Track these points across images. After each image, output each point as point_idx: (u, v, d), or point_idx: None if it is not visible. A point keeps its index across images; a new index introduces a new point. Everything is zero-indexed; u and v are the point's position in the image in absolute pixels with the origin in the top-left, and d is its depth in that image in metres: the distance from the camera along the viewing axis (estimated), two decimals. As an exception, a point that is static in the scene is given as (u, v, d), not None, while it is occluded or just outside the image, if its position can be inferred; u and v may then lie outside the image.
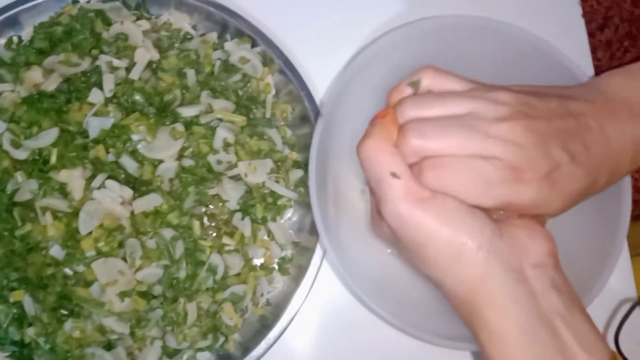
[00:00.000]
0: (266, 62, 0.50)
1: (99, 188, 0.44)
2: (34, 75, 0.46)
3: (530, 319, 0.31)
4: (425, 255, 0.32)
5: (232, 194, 0.46)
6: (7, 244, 0.44)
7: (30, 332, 0.43)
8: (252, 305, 0.47)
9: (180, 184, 0.45)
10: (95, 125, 0.45)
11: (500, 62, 0.44)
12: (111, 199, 0.43)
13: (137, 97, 0.46)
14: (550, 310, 0.31)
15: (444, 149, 0.32)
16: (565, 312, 0.31)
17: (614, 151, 0.35)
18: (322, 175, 0.44)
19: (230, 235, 0.47)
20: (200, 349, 0.46)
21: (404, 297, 0.43)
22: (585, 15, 0.56)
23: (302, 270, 0.46)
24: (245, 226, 0.47)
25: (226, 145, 0.47)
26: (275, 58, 0.49)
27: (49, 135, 0.44)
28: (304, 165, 0.49)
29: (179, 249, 0.44)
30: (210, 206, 0.47)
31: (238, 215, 0.47)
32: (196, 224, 0.45)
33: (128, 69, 0.47)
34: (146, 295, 0.44)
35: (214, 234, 0.47)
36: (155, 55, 0.48)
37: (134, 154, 0.45)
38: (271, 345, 0.45)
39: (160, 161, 0.45)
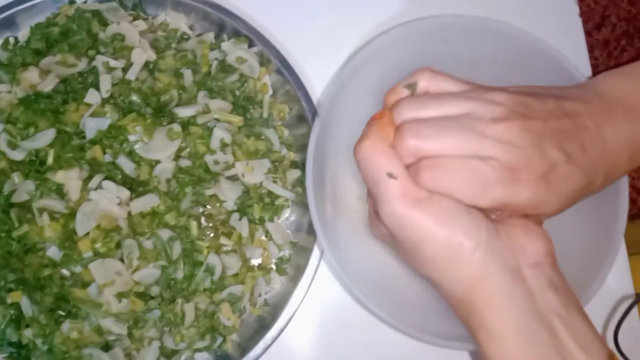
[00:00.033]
0: (263, 62, 0.50)
1: (96, 189, 0.44)
2: (31, 75, 0.46)
3: (528, 319, 0.31)
4: (422, 256, 0.32)
5: (229, 194, 0.46)
6: (4, 245, 0.43)
7: (28, 333, 0.43)
8: (250, 305, 0.47)
9: (178, 184, 0.45)
10: (92, 126, 0.44)
11: (499, 62, 0.44)
12: (108, 200, 0.43)
13: (134, 98, 0.46)
14: (548, 309, 0.31)
15: (440, 150, 0.32)
16: (563, 312, 0.31)
17: (611, 152, 0.35)
18: (320, 175, 0.44)
19: (228, 235, 0.47)
20: (198, 350, 0.46)
21: (402, 297, 0.43)
22: (582, 14, 0.56)
23: (299, 270, 0.46)
24: (242, 226, 0.47)
25: (223, 145, 0.47)
26: (273, 58, 0.49)
27: (45, 136, 0.44)
28: (301, 165, 0.49)
29: (177, 250, 0.44)
30: (208, 206, 0.47)
31: (235, 215, 0.47)
32: (193, 224, 0.45)
33: (125, 70, 0.47)
34: (144, 296, 0.44)
35: (212, 235, 0.47)
36: (152, 55, 0.48)
37: (131, 154, 0.45)
38: (269, 346, 0.45)
39: (157, 162, 0.45)
